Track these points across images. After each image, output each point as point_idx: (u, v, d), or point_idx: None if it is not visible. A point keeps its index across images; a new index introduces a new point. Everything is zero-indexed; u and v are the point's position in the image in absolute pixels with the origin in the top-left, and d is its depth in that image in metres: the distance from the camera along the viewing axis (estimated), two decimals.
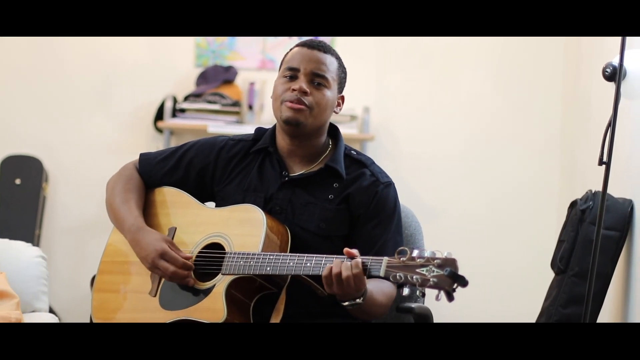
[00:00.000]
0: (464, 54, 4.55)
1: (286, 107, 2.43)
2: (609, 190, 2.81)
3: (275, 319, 2.32)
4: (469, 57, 4.56)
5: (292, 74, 2.46)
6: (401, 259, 2.10)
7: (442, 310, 2.58)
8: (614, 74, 2.74)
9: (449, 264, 2.05)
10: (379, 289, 2.32)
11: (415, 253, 2.09)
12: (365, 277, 2.18)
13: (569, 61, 4.38)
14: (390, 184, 2.51)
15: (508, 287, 4.49)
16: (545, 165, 4.51)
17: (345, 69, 2.54)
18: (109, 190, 2.60)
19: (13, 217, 4.44)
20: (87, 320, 2.54)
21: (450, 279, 2.03)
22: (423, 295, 2.10)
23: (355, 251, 2.21)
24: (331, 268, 2.19)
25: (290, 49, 2.52)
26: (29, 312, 2.75)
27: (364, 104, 4.49)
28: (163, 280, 2.44)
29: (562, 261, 3.08)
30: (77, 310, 4.42)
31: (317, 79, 2.45)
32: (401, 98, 4.59)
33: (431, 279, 2.05)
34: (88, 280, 4.07)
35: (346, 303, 2.23)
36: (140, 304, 2.46)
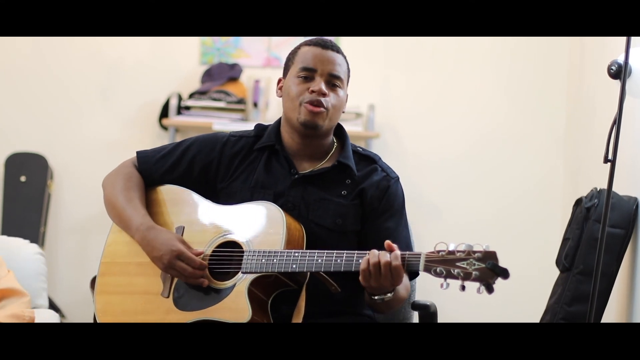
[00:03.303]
0: (468, 52, 4.55)
1: (306, 109, 2.41)
2: (614, 188, 2.80)
3: (297, 317, 2.28)
4: (473, 55, 4.56)
5: (307, 74, 2.44)
6: (440, 252, 2.10)
7: (445, 307, 2.58)
8: (619, 72, 2.74)
9: (490, 256, 2.06)
10: (402, 284, 2.30)
11: (452, 247, 2.10)
12: (404, 270, 2.17)
13: (574, 59, 4.37)
14: (398, 179, 2.53)
15: (513, 284, 4.41)
16: (550, 163, 4.51)
17: (349, 66, 2.54)
18: (108, 188, 2.53)
19: (18, 215, 4.45)
20: (91, 319, 2.46)
21: (492, 271, 2.04)
22: (463, 288, 2.09)
23: (395, 246, 2.20)
24: (369, 260, 2.18)
25: (298, 48, 2.50)
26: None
27: (369, 102, 4.49)
28: (175, 280, 2.38)
29: (567, 259, 3.07)
30: (82, 307, 4.42)
31: (333, 80, 2.44)
32: (406, 96, 4.59)
33: (473, 273, 2.06)
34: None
35: (376, 297, 2.23)
36: (150, 305, 2.38)
